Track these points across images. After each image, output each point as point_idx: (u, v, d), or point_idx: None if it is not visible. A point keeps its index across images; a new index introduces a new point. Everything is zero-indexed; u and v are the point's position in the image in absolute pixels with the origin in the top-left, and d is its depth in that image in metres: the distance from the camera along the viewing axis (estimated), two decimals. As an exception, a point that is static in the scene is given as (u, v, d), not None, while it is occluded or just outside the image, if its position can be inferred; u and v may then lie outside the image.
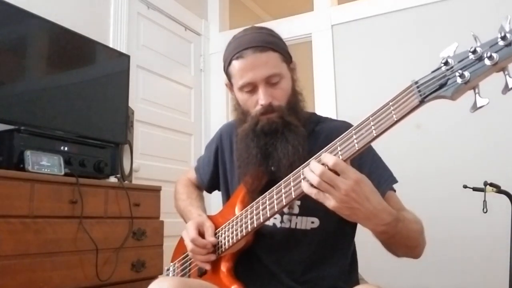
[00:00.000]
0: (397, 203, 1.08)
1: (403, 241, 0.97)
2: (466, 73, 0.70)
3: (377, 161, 1.13)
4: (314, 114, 1.24)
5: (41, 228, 1.58)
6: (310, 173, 0.87)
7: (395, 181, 1.11)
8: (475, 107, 0.71)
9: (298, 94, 1.14)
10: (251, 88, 1.08)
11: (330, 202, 0.86)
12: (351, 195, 0.84)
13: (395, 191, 1.12)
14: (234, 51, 1.09)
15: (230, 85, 1.17)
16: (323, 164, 0.86)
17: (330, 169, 0.85)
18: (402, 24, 2.84)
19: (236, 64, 1.09)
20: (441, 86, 0.74)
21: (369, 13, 2.95)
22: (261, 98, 1.07)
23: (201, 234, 1.11)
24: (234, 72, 1.10)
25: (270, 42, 1.09)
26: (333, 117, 2.81)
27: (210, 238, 1.10)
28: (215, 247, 1.12)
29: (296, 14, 3.19)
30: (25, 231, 1.53)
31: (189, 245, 1.11)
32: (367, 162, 1.08)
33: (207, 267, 1.12)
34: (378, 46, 2.90)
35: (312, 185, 0.87)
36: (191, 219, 1.20)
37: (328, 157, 0.86)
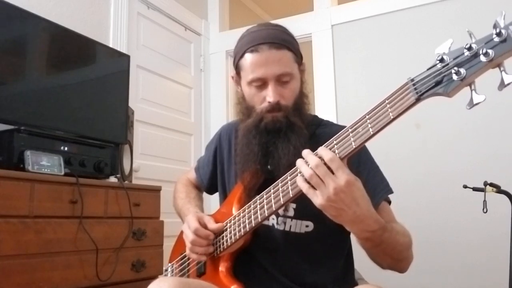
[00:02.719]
0: (389, 215, 1.07)
1: (389, 252, 0.96)
2: (462, 70, 0.70)
3: (374, 170, 1.12)
4: (316, 117, 1.24)
5: (41, 228, 1.58)
6: (304, 166, 0.87)
7: (391, 192, 1.10)
8: (471, 104, 0.71)
9: (305, 97, 1.14)
10: (261, 83, 1.08)
11: (317, 199, 0.85)
12: (339, 196, 0.83)
13: (390, 202, 1.11)
14: (249, 44, 1.08)
15: (237, 78, 1.16)
16: (319, 157, 0.85)
17: (325, 164, 0.84)
18: (402, 24, 2.84)
19: (249, 58, 1.08)
20: (437, 83, 0.74)
21: (369, 13, 2.95)
22: (270, 95, 1.06)
23: (202, 225, 1.10)
24: (246, 65, 1.09)
25: (286, 41, 1.09)
26: (333, 116, 2.86)
27: (213, 225, 1.09)
28: (215, 242, 1.11)
29: (296, 14, 3.19)
30: (25, 231, 1.52)
31: (190, 236, 1.09)
32: (365, 170, 1.07)
33: (203, 258, 1.11)
34: (378, 46, 2.90)
35: (305, 180, 0.86)
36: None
37: (325, 151, 0.85)
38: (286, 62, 1.08)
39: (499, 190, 1.87)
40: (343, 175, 0.83)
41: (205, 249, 1.09)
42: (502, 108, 2.32)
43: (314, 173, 0.84)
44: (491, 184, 1.87)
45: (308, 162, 0.86)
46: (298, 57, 1.13)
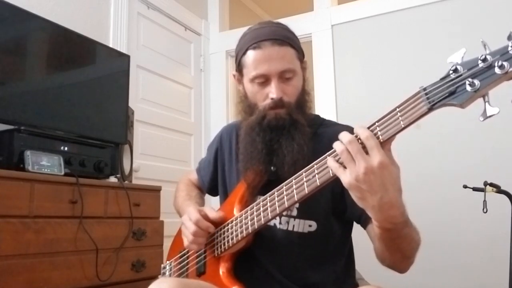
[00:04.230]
0: None
1: (403, 247, 0.91)
2: (476, 81, 0.69)
3: None
4: (318, 116, 1.24)
5: (41, 228, 1.57)
6: (337, 142, 0.81)
7: None
8: (485, 116, 0.70)
9: (307, 94, 1.14)
10: (264, 80, 1.08)
11: (345, 177, 0.79)
12: (369, 177, 0.77)
13: None
14: (251, 41, 1.09)
15: (239, 76, 1.16)
16: (355, 136, 0.80)
17: (361, 143, 0.79)
18: (402, 24, 2.84)
19: (252, 54, 1.08)
20: (451, 93, 0.72)
21: (369, 13, 2.95)
22: (273, 92, 1.06)
23: (203, 217, 1.10)
24: (249, 62, 1.09)
25: (288, 38, 1.10)
26: (333, 116, 2.85)
27: (213, 214, 1.09)
28: (216, 242, 1.11)
29: (296, 14, 3.19)
30: (25, 231, 1.52)
31: (191, 228, 1.08)
32: None
33: (202, 246, 1.11)
34: (378, 46, 2.90)
35: (335, 159, 0.82)
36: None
37: (361, 129, 0.80)
38: (289, 58, 1.08)
39: (499, 190, 1.88)
40: (377, 155, 0.77)
41: (205, 240, 1.10)
42: (502, 109, 2.32)
43: (345, 148, 0.79)
44: (491, 184, 1.88)
45: (341, 139, 0.81)
46: (300, 55, 1.13)
